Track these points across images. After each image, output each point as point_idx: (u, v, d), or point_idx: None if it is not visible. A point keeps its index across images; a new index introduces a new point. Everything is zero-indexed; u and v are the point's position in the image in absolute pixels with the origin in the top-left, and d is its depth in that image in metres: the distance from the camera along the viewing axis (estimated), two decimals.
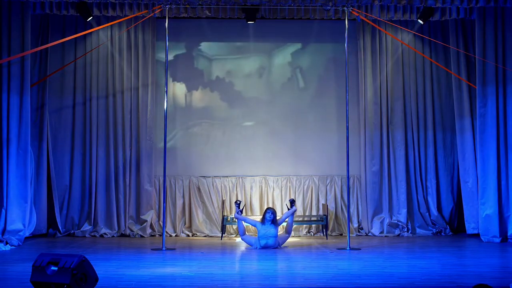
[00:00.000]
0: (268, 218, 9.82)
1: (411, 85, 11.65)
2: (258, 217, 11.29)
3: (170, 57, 11.47)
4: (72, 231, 11.23)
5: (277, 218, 10.05)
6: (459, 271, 7.79)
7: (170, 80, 11.55)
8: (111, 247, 9.97)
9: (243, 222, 10.08)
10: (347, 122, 9.98)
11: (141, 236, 11.21)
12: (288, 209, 10.20)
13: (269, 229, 9.78)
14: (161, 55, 11.54)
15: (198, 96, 11.87)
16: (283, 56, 11.96)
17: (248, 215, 11.30)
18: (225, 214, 11.19)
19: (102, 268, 7.63)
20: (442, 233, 11.37)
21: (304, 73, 11.95)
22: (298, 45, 11.98)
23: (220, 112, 11.88)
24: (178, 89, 11.81)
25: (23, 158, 10.18)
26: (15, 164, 10.12)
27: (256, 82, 11.93)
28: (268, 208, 10.06)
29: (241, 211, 10.21)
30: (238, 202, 10.24)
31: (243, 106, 11.90)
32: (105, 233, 11.19)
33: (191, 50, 11.86)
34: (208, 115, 11.86)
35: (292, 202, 10.27)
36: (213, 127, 11.85)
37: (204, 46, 11.86)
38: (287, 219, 10.13)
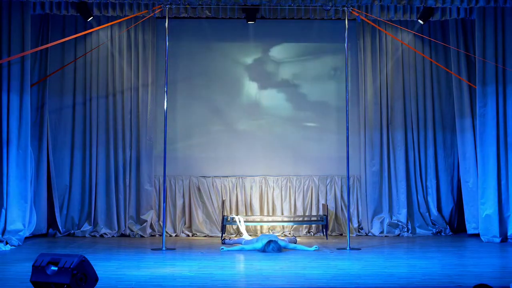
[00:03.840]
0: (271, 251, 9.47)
1: (411, 85, 11.65)
2: (258, 217, 11.34)
3: (170, 57, 11.45)
4: (72, 231, 11.22)
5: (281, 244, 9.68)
6: (459, 271, 7.79)
7: (170, 80, 11.53)
8: (111, 247, 9.97)
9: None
10: (347, 122, 9.97)
11: (141, 236, 11.21)
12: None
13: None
14: (161, 55, 11.52)
15: (199, 96, 11.85)
16: (282, 56, 11.95)
17: (248, 215, 11.32)
18: (225, 214, 11.19)
19: (102, 268, 7.63)
20: (442, 233, 11.37)
21: (304, 73, 11.94)
22: (298, 45, 11.97)
23: (220, 112, 11.87)
24: (178, 89, 11.80)
25: (23, 158, 10.18)
26: (15, 164, 10.12)
27: (256, 83, 11.91)
28: (269, 242, 9.52)
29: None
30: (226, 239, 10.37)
31: (243, 106, 11.89)
32: (105, 233, 11.19)
33: (191, 50, 11.85)
34: (208, 115, 11.85)
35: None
36: (213, 127, 11.84)
37: (205, 46, 11.86)
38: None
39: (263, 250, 9.43)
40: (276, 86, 11.94)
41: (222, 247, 9.84)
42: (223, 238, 10.60)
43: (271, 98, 11.92)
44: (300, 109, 11.91)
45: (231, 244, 10.15)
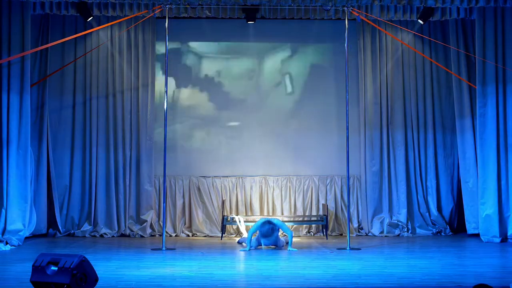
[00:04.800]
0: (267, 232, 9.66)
1: (411, 85, 11.65)
2: (258, 217, 11.33)
3: (170, 57, 11.44)
4: (72, 231, 11.23)
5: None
6: (459, 271, 7.79)
7: (170, 80, 11.53)
8: (111, 247, 9.97)
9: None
10: (347, 122, 9.97)
11: (141, 236, 11.21)
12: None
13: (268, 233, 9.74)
14: (161, 55, 11.52)
15: (199, 96, 11.86)
16: (282, 56, 11.95)
17: (248, 215, 11.32)
18: (225, 214, 11.19)
19: (102, 268, 7.63)
20: (442, 233, 11.37)
21: (304, 73, 11.94)
22: (298, 45, 11.97)
23: (220, 112, 11.87)
24: (178, 89, 11.80)
25: (23, 158, 10.18)
26: (15, 164, 10.12)
27: (256, 83, 11.92)
28: (265, 223, 9.71)
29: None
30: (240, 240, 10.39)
31: (243, 106, 11.89)
32: (105, 233, 11.19)
33: (192, 50, 11.85)
34: (208, 115, 11.86)
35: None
36: (213, 127, 11.84)
37: (206, 46, 11.85)
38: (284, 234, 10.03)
39: (260, 228, 9.61)
40: (276, 86, 11.94)
41: (240, 249, 9.78)
42: (238, 240, 10.53)
43: (271, 98, 11.92)
44: (300, 109, 11.90)
45: (243, 243, 10.14)
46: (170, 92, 11.54)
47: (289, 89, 11.95)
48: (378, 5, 10.69)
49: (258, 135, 11.85)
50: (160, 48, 11.59)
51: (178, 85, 11.83)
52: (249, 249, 9.59)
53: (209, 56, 11.88)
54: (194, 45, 11.85)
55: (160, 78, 11.56)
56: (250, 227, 10.79)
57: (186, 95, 11.85)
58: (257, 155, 11.80)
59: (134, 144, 11.41)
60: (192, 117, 11.83)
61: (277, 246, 9.84)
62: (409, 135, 11.60)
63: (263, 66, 11.93)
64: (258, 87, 11.94)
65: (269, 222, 9.70)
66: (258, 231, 9.74)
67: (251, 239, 9.71)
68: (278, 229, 9.76)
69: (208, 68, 11.88)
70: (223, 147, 11.82)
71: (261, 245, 9.82)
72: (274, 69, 11.94)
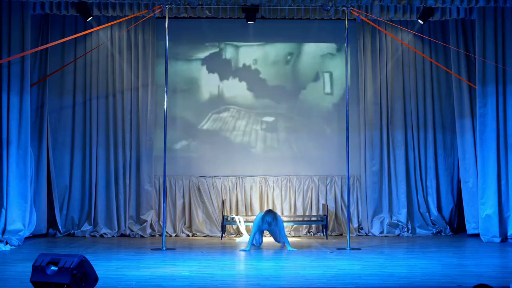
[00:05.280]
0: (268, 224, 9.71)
1: (411, 85, 11.65)
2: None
3: (170, 57, 11.45)
4: (72, 231, 11.23)
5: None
6: (459, 271, 7.79)
7: (170, 79, 11.52)
8: (111, 247, 9.97)
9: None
10: (347, 122, 9.97)
11: (141, 236, 11.21)
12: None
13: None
14: (161, 55, 11.52)
15: (199, 96, 11.86)
16: (282, 56, 11.96)
17: (248, 215, 11.32)
18: (225, 214, 11.19)
19: (102, 268, 7.63)
20: (442, 233, 11.37)
21: (304, 73, 11.94)
22: (297, 45, 11.97)
23: (220, 112, 11.87)
24: (178, 89, 11.80)
25: (23, 158, 10.18)
26: (15, 164, 10.12)
27: (256, 83, 11.92)
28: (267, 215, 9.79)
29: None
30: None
31: (244, 106, 11.89)
32: (105, 233, 11.19)
33: (191, 50, 11.84)
34: (208, 115, 11.86)
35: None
36: (213, 127, 11.84)
37: (205, 46, 11.85)
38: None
39: (262, 218, 9.66)
40: (275, 86, 11.94)
41: (240, 249, 9.78)
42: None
43: (271, 98, 11.91)
44: (300, 109, 11.90)
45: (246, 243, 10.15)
46: (170, 92, 11.54)
47: (288, 89, 11.94)
48: (378, 5, 10.69)
49: (258, 135, 11.86)
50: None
51: (178, 85, 11.82)
52: (249, 249, 9.59)
53: (209, 56, 11.87)
54: (194, 45, 11.82)
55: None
56: (250, 227, 10.81)
57: (186, 94, 11.84)
58: (257, 155, 11.81)
59: (134, 144, 11.41)
60: (192, 117, 11.83)
61: (276, 238, 9.90)
62: (409, 135, 11.60)
63: (262, 66, 11.92)
64: (257, 87, 11.93)
65: (272, 211, 9.80)
66: (261, 223, 9.71)
67: (253, 237, 9.72)
68: (277, 223, 9.73)
69: (208, 68, 11.87)
70: (223, 147, 11.80)
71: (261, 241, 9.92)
72: (274, 69, 11.93)
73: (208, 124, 11.85)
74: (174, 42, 11.38)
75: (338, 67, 11.78)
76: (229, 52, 11.91)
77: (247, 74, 11.91)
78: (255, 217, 11.06)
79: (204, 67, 11.87)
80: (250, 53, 11.92)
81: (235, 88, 11.88)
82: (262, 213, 9.80)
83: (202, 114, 11.84)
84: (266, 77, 11.90)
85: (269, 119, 11.88)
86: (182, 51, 11.81)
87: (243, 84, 11.90)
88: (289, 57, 11.92)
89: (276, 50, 11.94)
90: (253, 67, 11.91)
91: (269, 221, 9.63)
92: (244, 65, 11.91)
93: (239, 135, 11.86)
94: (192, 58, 11.85)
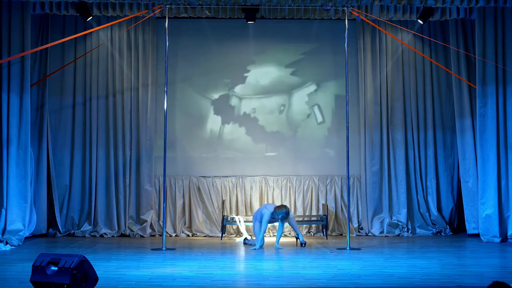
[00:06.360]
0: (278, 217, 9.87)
1: (411, 85, 11.66)
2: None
3: (170, 57, 11.44)
4: (72, 231, 11.23)
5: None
6: (459, 271, 7.79)
7: (170, 79, 11.53)
8: (111, 247, 9.97)
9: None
10: (347, 122, 9.97)
11: (141, 236, 11.21)
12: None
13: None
14: (161, 55, 11.52)
15: (199, 96, 11.86)
16: (281, 56, 11.96)
17: (248, 215, 11.32)
18: (225, 214, 11.19)
19: (102, 268, 7.63)
20: (442, 233, 11.37)
21: (304, 73, 11.94)
22: (297, 45, 11.97)
23: (220, 112, 11.87)
24: (178, 89, 11.81)
25: (23, 158, 10.18)
26: (15, 164, 10.12)
27: (256, 83, 11.92)
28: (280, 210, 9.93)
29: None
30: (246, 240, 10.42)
31: (243, 105, 11.89)
32: (105, 233, 11.19)
33: (191, 50, 11.85)
34: (208, 115, 11.86)
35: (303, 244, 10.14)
36: (213, 127, 11.84)
37: (205, 46, 11.85)
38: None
39: (272, 215, 9.82)
40: (275, 86, 11.94)
41: (251, 248, 9.86)
42: (244, 239, 10.53)
43: (271, 98, 11.92)
44: (300, 108, 11.90)
45: (250, 245, 10.14)
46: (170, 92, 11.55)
47: (288, 89, 11.95)
48: (378, 5, 10.69)
49: (258, 135, 11.86)
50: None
51: (178, 85, 11.81)
52: (261, 246, 9.75)
53: (209, 56, 11.86)
54: (194, 45, 11.81)
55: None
56: (250, 227, 10.83)
57: (186, 94, 11.83)
58: (257, 155, 11.82)
59: (134, 144, 11.41)
60: (192, 117, 11.83)
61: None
62: (409, 135, 11.61)
63: (262, 66, 11.92)
64: (257, 87, 11.93)
65: (284, 206, 9.96)
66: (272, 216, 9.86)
67: (265, 233, 9.91)
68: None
69: (208, 68, 11.88)
70: (223, 147, 11.81)
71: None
72: (274, 69, 11.93)
73: (209, 123, 11.84)
74: (174, 42, 11.36)
75: (338, 67, 11.76)
76: (230, 52, 11.92)
77: (247, 73, 11.92)
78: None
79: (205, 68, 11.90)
80: (251, 53, 11.92)
81: (236, 86, 11.89)
82: (272, 210, 9.86)
83: (204, 114, 11.84)
84: (265, 77, 11.90)
85: (270, 118, 11.88)
86: (182, 51, 11.81)
87: (244, 86, 11.92)
88: (288, 58, 11.93)
89: (276, 50, 11.94)
90: (254, 66, 11.92)
91: (283, 215, 9.80)
92: (244, 64, 11.92)
93: (240, 134, 11.85)
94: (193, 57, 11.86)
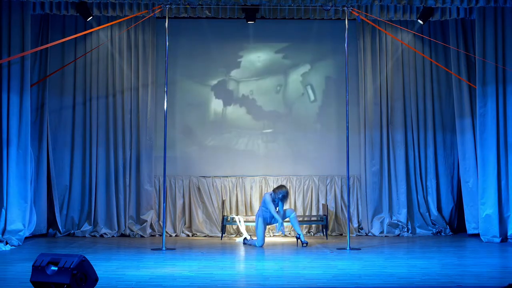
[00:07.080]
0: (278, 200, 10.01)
1: (411, 85, 11.65)
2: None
3: (170, 57, 11.44)
4: (72, 231, 11.23)
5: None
6: (459, 271, 7.79)
7: (170, 79, 11.52)
8: (111, 247, 9.97)
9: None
10: (347, 122, 9.97)
11: (141, 236, 11.21)
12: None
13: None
14: (161, 55, 11.52)
15: (199, 96, 11.87)
16: (281, 56, 11.96)
17: (248, 215, 11.32)
18: (225, 214, 11.20)
19: (102, 268, 7.64)
20: (442, 233, 11.37)
21: (304, 73, 11.94)
22: (297, 45, 11.96)
23: (220, 111, 11.88)
24: (178, 89, 11.80)
25: (23, 158, 10.17)
26: (15, 164, 10.12)
27: (256, 83, 11.92)
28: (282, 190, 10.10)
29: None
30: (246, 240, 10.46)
31: (243, 105, 11.89)
32: (105, 233, 11.19)
33: (191, 50, 11.85)
34: (208, 115, 11.86)
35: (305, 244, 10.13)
36: (213, 127, 11.85)
37: (205, 46, 11.85)
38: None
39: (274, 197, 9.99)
40: (275, 86, 11.94)
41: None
42: (244, 239, 10.53)
43: (271, 98, 11.92)
44: (300, 108, 11.90)
45: (250, 245, 10.16)
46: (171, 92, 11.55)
47: (288, 89, 11.95)
48: (378, 5, 10.70)
49: (258, 135, 11.87)
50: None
51: (178, 85, 11.82)
52: (262, 245, 9.82)
53: (209, 56, 11.87)
54: (194, 45, 11.81)
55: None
56: (250, 227, 10.84)
57: (186, 94, 11.84)
58: (257, 155, 11.82)
59: (134, 144, 11.41)
60: (192, 117, 11.83)
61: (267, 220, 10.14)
62: (409, 135, 11.61)
63: (262, 66, 11.92)
64: (257, 87, 11.93)
65: (283, 186, 10.23)
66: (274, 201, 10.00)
67: (264, 231, 10.01)
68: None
69: (208, 68, 11.88)
70: (223, 147, 11.81)
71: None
72: (273, 69, 11.93)
73: (209, 123, 11.85)
74: (174, 42, 11.36)
75: (338, 67, 11.76)
76: (230, 52, 11.92)
77: (247, 73, 11.92)
78: (254, 217, 11.09)
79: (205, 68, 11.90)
80: (251, 53, 11.93)
81: (236, 84, 11.89)
82: (271, 192, 10.12)
83: (204, 114, 11.84)
84: (265, 77, 11.91)
85: (270, 118, 11.88)
86: (182, 50, 11.81)
87: (244, 84, 11.92)
88: (288, 57, 11.93)
89: (276, 49, 11.94)
90: (254, 66, 11.92)
91: (284, 194, 10.01)
92: (244, 65, 11.93)
93: (240, 134, 11.85)
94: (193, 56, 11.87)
